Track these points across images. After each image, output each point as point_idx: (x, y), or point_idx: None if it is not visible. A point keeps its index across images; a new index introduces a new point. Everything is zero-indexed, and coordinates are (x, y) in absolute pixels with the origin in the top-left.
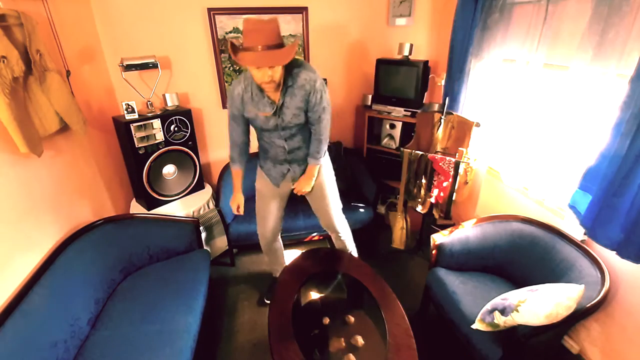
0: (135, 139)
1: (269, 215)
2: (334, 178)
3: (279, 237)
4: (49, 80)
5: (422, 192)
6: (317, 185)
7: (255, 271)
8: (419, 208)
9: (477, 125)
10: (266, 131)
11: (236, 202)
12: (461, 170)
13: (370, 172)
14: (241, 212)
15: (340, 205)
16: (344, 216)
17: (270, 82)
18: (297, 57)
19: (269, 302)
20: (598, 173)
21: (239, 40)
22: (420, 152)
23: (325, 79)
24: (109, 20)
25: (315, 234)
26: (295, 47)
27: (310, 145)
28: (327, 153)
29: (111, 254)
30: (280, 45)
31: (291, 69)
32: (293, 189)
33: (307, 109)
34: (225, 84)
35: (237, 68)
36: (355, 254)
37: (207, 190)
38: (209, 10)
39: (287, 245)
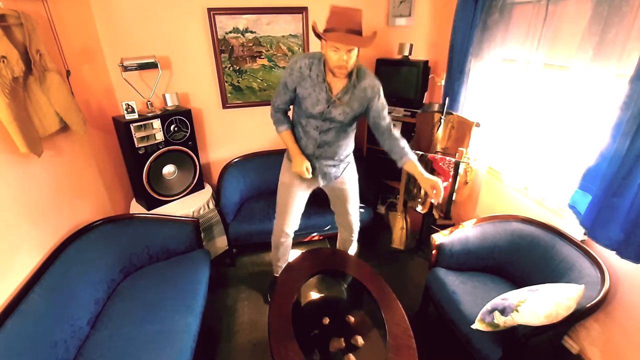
0: (135, 139)
1: (291, 209)
2: (357, 181)
3: (292, 235)
4: (49, 80)
5: (422, 192)
6: (342, 190)
7: (255, 271)
8: (419, 208)
9: (477, 125)
10: (307, 117)
11: (303, 163)
12: (461, 170)
13: (370, 172)
14: (310, 173)
15: (358, 206)
16: (359, 216)
17: (343, 67)
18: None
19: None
20: (598, 173)
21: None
22: (420, 152)
23: None
24: (109, 20)
25: (315, 234)
26: (375, 36)
27: (394, 149)
28: (353, 156)
29: (111, 254)
30: (360, 32)
31: (357, 71)
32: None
33: (362, 112)
34: (225, 83)
35: (237, 68)
36: (354, 250)
37: (207, 190)
38: (209, 10)
39: None
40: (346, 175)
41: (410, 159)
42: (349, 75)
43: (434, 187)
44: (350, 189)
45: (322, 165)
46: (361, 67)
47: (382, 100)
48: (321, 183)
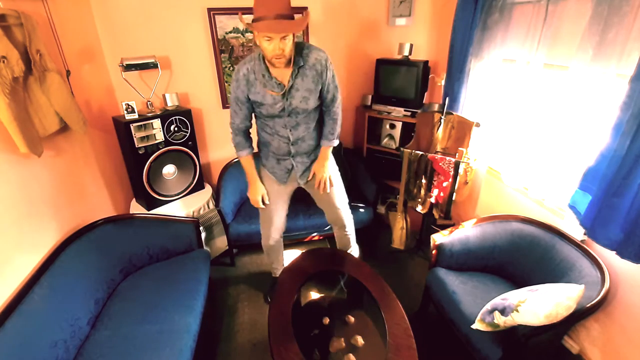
0: (135, 139)
1: (275, 215)
2: (339, 172)
3: (281, 236)
4: (49, 80)
5: (422, 192)
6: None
7: (255, 271)
8: (419, 208)
9: (477, 125)
10: (270, 118)
11: (259, 193)
12: (461, 170)
13: (370, 172)
14: (266, 201)
15: (347, 199)
16: (350, 210)
17: (281, 56)
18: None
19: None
20: (598, 173)
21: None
22: (420, 152)
23: None
24: (109, 20)
25: (315, 234)
26: (307, 18)
27: (324, 127)
28: None
29: (111, 254)
30: (291, 16)
31: (300, 50)
32: (300, 186)
33: (320, 90)
34: (225, 84)
35: None
36: (356, 253)
37: (207, 190)
38: (209, 10)
39: (287, 245)
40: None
41: (324, 145)
42: (292, 61)
43: (317, 174)
44: (333, 182)
45: (299, 163)
46: (303, 44)
47: (330, 73)
48: (301, 182)
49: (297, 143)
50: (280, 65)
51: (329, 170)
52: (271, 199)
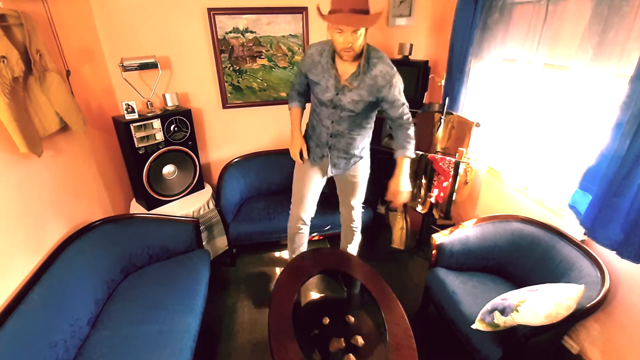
0: (135, 139)
1: (307, 195)
2: (368, 177)
3: (309, 223)
4: (49, 80)
5: (422, 192)
6: (351, 183)
7: (255, 271)
8: (419, 208)
9: (477, 125)
10: (320, 104)
11: (298, 146)
12: (461, 170)
13: (370, 172)
14: (305, 157)
15: (363, 199)
16: (362, 210)
17: (350, 49)
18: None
19: None
20: (598, 173)
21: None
22: (420, 152)
23: None
24: (109, 20)
25: (315, 234)
26: (381, 14)
27: (397, 138)
28: (369, 151)
29: (111, 254)
30: (366, 11)
31: (370, 56)
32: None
33: (374, 101)
34: (225, 83)
35: (237, 68)
36: (354, 251)
37: (207, 190)
38: (209, 10)
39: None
40: (358, 170)
41: (399, 155)
42: (360, 58)
43: (393, 193)
44: (360, 184)
45: (334, 157)
46: (376, 52)
47: (396, 91)
48: (330, 172)
49: (336, 137)
50: (347, 59)
51: (404, 186)
52: (305, 178)
